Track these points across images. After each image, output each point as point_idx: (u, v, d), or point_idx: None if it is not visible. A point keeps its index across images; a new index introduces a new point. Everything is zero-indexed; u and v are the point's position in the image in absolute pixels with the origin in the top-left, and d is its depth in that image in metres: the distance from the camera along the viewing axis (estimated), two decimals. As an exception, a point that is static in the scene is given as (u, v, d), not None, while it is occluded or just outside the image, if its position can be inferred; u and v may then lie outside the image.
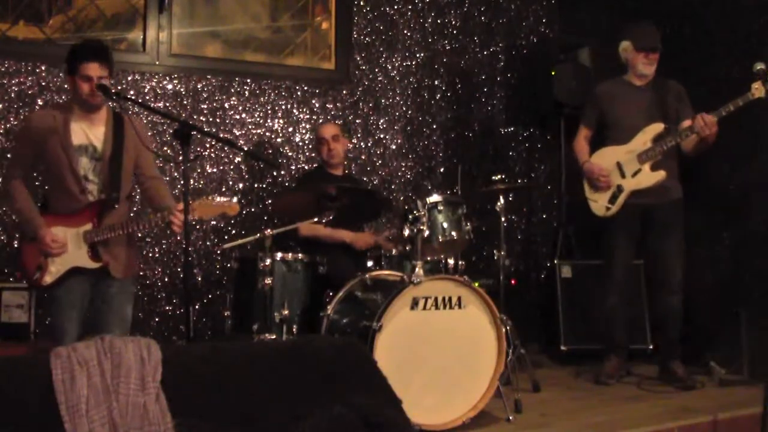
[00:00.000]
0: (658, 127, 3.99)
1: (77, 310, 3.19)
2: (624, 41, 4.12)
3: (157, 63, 4.47)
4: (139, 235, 4.12)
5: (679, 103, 4.07)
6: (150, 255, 4.37)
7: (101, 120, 3.22)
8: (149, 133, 3.87)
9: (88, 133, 3.19)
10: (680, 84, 4.13)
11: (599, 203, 4.13)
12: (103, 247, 3.17)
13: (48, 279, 3.13)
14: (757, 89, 3.59)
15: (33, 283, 3.19)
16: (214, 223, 4.54)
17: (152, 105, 4.33)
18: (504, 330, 3.37)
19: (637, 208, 4.06)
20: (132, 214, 3.55)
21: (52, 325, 3.26)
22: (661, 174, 3.97)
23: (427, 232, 3.39)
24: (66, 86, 4.20)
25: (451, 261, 3.72)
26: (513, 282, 5.30)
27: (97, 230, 3.14)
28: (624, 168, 4.05)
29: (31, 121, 3.22)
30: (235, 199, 3.19)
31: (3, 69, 4.10)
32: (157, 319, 4.38)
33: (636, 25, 4.13)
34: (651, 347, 4.60)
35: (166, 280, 4.43)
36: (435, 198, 3.48)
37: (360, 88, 5.06)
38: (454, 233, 3.47)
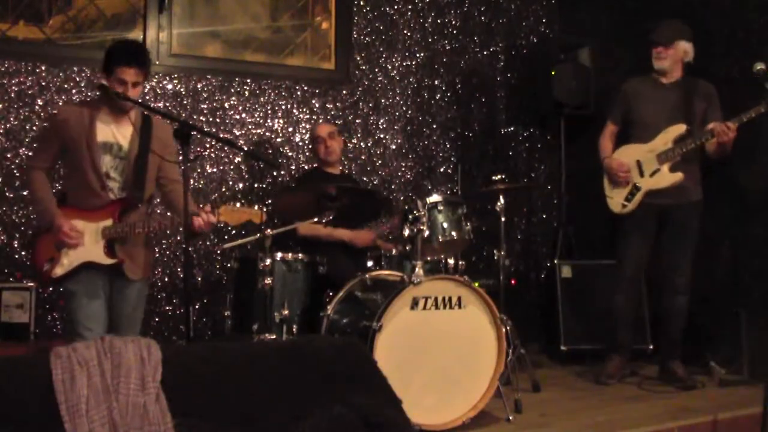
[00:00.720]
0: (680, 128, 3.94)
1: (101, 301, 3.12)
2: None
3: (157, 63, 4.46)
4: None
5: (708, 105, 3.99)
6: (150, 255, 4.37)
7: (129, 120, 3.21)
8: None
9: (115, 131, 3.17)
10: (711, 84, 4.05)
11: (615, 200, 4.12)
12: (120, 245, 3.15)
13: (59, 271, 3.07)
14: None
15: (42, 275, 3.13)
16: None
17: (152, 105, 4.33)
18: (504, 330, 3.37)
19: (655, 208, 4.03)
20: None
21: (74, 321, 3.12)
22: (678, 176, 3.94)
23: (427, 232, 3.38)
24: (66, 86, 4.22)
25: (451, 261, 3.72)
26: (513, 282, 5.31)
27: (117, 225, 3.10)
28: (643, 167, 4.03)
29: (58, 114, 3.20)
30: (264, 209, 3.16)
31: (3, 69, 4.10)
32: (157, 319, 4.38)
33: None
34: (651, 347, 4.61)
35: (166, 280, 4.43)
36: (435, 198, 3.48)
37: (360, 88, 5.06)
38: (454, 233, 3.47)
